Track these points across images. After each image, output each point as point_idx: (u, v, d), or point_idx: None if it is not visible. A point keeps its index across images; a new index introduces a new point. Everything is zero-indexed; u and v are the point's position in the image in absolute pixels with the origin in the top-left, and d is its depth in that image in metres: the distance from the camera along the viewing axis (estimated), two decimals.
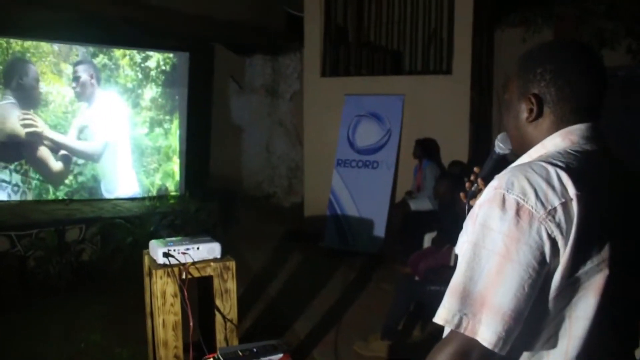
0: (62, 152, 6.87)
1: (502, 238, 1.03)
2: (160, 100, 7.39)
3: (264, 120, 9.08)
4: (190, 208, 6.41)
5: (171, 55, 7.45)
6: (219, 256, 2.83)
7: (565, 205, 1.03)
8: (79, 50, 6.87)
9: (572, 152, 1.14)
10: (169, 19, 7.15)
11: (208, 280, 2.89)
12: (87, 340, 4.02)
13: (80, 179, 6.95)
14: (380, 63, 7.64)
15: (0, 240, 5.18)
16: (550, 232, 1.03)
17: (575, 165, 1.10)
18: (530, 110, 1.20)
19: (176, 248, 2.72)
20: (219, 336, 2.83)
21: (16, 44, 6.56)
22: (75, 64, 6.86)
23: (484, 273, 1.04)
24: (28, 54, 6.61)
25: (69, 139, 6.89)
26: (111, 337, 4.06)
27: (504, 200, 1.05)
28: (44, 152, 6.76)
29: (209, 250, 2.79)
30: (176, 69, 7.46)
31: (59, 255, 5.20)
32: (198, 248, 2.76)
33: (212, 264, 2.80)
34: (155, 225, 5.74)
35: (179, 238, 2.93)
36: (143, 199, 6.95)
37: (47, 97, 6.71)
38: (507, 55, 6.78)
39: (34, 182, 6.69)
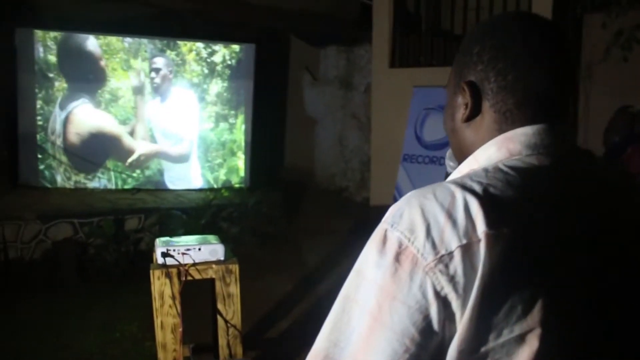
0: (153, 157, 7.13)
1: (375, 291, 0.73)
2: (225, 94, 7.42)
3: (338, 113, 8.89)
4: (249, 201, 6.38)
5: (237, 49, 7.43)
6: (222, 258, 2.70)
7: (468, 249, 0.71)
8: (147, 47, 7.03)
9: (504, 168, 0.79)
10: (239, 10, 7.14)
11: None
12: (123, 331, 4.08)
13: (147, 172, 7.14)
14: (453, 53, 7.18)
15: (63, 227, 5.43)
16: (438, 289, 0.71)
17: (500, 189, 0.76)
18: (466, 105, 0.87)
19: (177, 248, 2.62)
20: (222, 342, 2.70)
21: (88, 40, 6.78)
22: (153, 56, 7.01)
23: (353, 337, 0.74)
24: (99, 51, 6.83)
25: (160, 147, 7.15)
26: (146, 328, 4.09)
27: (384, 239, 0.76)
28: (131, 154, 7.04)
29: (212, 251, 2.67)
30: (242, 63, 7.43)
31: (115, 243, 5.34)
32: (199, 249, 2.65)
33: (214, 266, 2.68)
34: (209, 218, 5.75)
35: (186, 237, 2.84)
36: (206, 190, 7.00)
37: (117, 92, 6.93)
38: (586, 44, 6.09)
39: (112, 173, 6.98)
